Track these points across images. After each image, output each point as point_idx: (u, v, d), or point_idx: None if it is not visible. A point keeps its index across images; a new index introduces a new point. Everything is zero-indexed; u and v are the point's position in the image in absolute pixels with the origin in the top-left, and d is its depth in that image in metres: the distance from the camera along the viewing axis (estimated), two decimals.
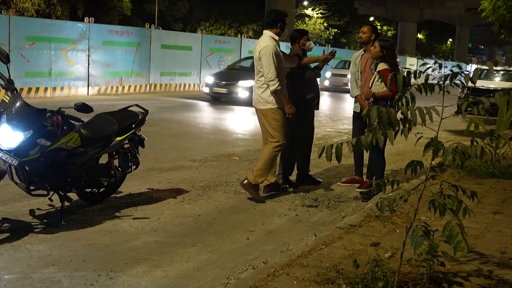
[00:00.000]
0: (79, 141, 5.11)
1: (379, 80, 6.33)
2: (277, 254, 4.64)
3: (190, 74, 20.96)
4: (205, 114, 14.95)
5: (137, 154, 6.01)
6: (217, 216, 5.69)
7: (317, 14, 48.90)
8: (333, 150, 3.26)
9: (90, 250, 4.54)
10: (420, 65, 3.91)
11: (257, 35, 43.51)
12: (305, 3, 49.20)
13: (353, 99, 7.14)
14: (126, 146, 5.92)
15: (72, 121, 5.12)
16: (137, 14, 40.61)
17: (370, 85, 6.52)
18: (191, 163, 8.23)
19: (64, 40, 16.02)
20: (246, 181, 6.31)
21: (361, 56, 6.96)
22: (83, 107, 5.00)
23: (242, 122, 13.36)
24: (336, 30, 50.01)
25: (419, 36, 58.77)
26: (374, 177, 6.73)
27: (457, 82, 3.72)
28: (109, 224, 5.21)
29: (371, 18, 56.01)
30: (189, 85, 20.94)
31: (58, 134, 4.86)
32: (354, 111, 7.16)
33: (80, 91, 16.64)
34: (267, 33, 6.31)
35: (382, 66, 6.33)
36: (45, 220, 5.22)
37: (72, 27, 16.56)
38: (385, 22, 56.42)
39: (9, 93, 4.84)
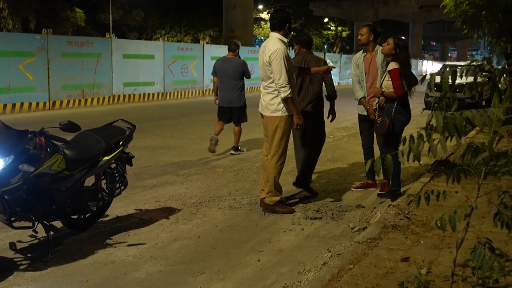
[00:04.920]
0: (64, 164, 4.56)
1: (389, 79, 6.04)
2: (294, 275, 4.23)
3: (154, 83, 20.32)
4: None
5: (125, 174, 5.48)
6: (218, 236, 5.21)
7: None
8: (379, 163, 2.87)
9: (87, 287, 4.01)
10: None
11: (214, 41, 43.07)
12: (260, 7, 49.07)
13: (356, 101, 6.84)
14: (113, 165, 5.38)
15: (55, 142, 4.58)
16: (90, 24, 39.68)
17: (380, 83, 6.22)
18: (174, 177, 7.72)
19: (22, 53, 15.16)
20: (265, 205, 5.98)
21: (364, 57, 6.65)
22: (69, 126, 4.46)
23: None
24: (292, 32, 49.83)
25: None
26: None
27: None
28: (103, 254, 4.68)
29: (326, 20, 56.31)
30: (153, 94, 20.29)
31: (42, 158, 4.31)
32: (360, 114, 6.82)
33: (41, 106, 15.82)
34: (275, 36, 5.82)
35: (392, 65, 6.04)
36: (29, 255, 4.65)
37: (29, 39, 15.70)
38: (340, 23, 56.76)
39: None
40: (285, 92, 5.62)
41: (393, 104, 6.13)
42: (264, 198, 6.00)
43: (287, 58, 5.67)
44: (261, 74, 5.94)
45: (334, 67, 6.81)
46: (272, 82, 5.74)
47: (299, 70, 6.23)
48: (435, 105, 3.18)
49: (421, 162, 8.57)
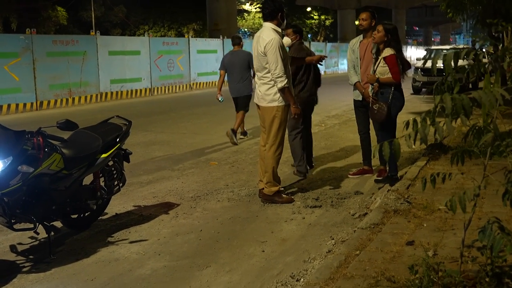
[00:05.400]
0: (62, 163, 4.52)
1: (384, 65, 6.04)
2: (300, 264, 4.24)
3: (141, 79, 20.17)
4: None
5: (123, 171, 5.45)
6: (220, 229, 5.20)
7: (255, 8, 48.60)
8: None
9: (94, 286, 3.99)
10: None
11: (198, 34, 42.83)
12: None
13: (352, 87, 6.88)
14: (110, 163, 5.33)
15: (52, 141, 4.53)
16: (73, 23, 39.28)
17: (374, 70, 6.22)
18: (170, 172, 7.68)
19: (6, 54, 14.94)
20: (264, 195, 5.96)
21: (360, 42, 6.64)
22: (67, 125, 4.41)
23: (199, 123, 12.82)
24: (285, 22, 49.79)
25: (357, 22, 59.50)
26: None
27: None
28: (105, 252, 4.65)
29: (309, 9, 56.19)
30: (141, 90, 20.15)
31: (40, 158, 4.26)
32: (355, 100, 6.85)
33: (29, 107, 15.66)
34: (268, 26, 5.77)
35: (388, 51, 6.04)
36: (31, 256, 4.61)
37: (13, 40, 15.48)
38: (323, 12, 56.66)
39: None
40: (282, 82, 5.62)
41: (389, 90, 6.14)
42: (263, 188, 5.99)
43: (282, 48, 5.67)
44: (255, 65, 5.92)
45: (326, 56, 7.01)
46: (268, 72, 5.72)
47: (292, 59, 6.24)
48: (437, 88, 3.16)
49: (414, 147, 8.60)
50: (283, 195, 6.03)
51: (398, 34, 6.22)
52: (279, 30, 5.79)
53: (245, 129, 10.54)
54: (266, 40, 5.63)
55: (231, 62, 10.00)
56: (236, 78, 9.92)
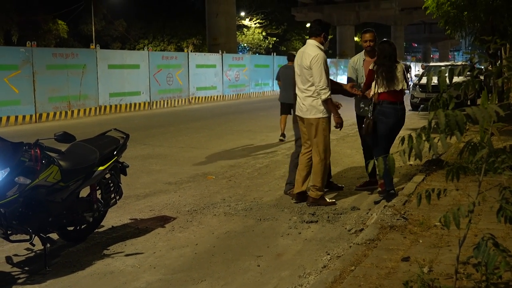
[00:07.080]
0: (59, 175, 4.53)
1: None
2: (295, 279, 4.24)
3: (140, 93, 20.23)
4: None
5: (119, 184, 5.45)
6: (216, 243, 5.20)
7: (255, 24, 48.88)
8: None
9: None
10: None
11: (198, 49, 43.04)
12: (242, 14, 49.17)
13: (353, 103, 7.14)
14: (107, 175, 5.34)
15: (50, 153, 4.54)
16: (73, 36, 39.51)
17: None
18: (167, 186, 7.68)
19: (7, 67, 15.02)
20: (311, 199, 6.33)
21: (363, 60, 6.82)
22: (65, 137, 4.43)
23: (197, 137, 12.84)
24: (275, 38, 50.21)
25: (356, 38, 59.71)
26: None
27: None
28: (101, 264, 4.64)
29: (308, 25, 56.52)
30: (139, 104, 20.20)
31: (38, 170, 4.27)
32: (357, 115, 7.16)
33: (28, 119, 15.70)
34: (312, 42, 6.31)
35: (372, 66, 6.32)
36: (26, 268, 4.60)
37: (13, 52, 15.57)
38: None
39: None
40: (326, 93, 6.08)
41: (374, 105, 6.36)
42: (301, 192, 6.47)
43: (326, 62, 6.17)
44: (297, 79, 6.39)
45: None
46: (311, 85, 6.17)
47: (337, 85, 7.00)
48: (432, 104, 3.18)
49: (411, 163, 8.62)
50: (326, 199, 6.45)
51: (384, 50, 6.31)
52: (322, 47, 6.27)
53: (284, 132, 12.00)
54: (312, 55, 6.12)
55: (285, 74, 11.42)
56: (288, 88, 10.57)
